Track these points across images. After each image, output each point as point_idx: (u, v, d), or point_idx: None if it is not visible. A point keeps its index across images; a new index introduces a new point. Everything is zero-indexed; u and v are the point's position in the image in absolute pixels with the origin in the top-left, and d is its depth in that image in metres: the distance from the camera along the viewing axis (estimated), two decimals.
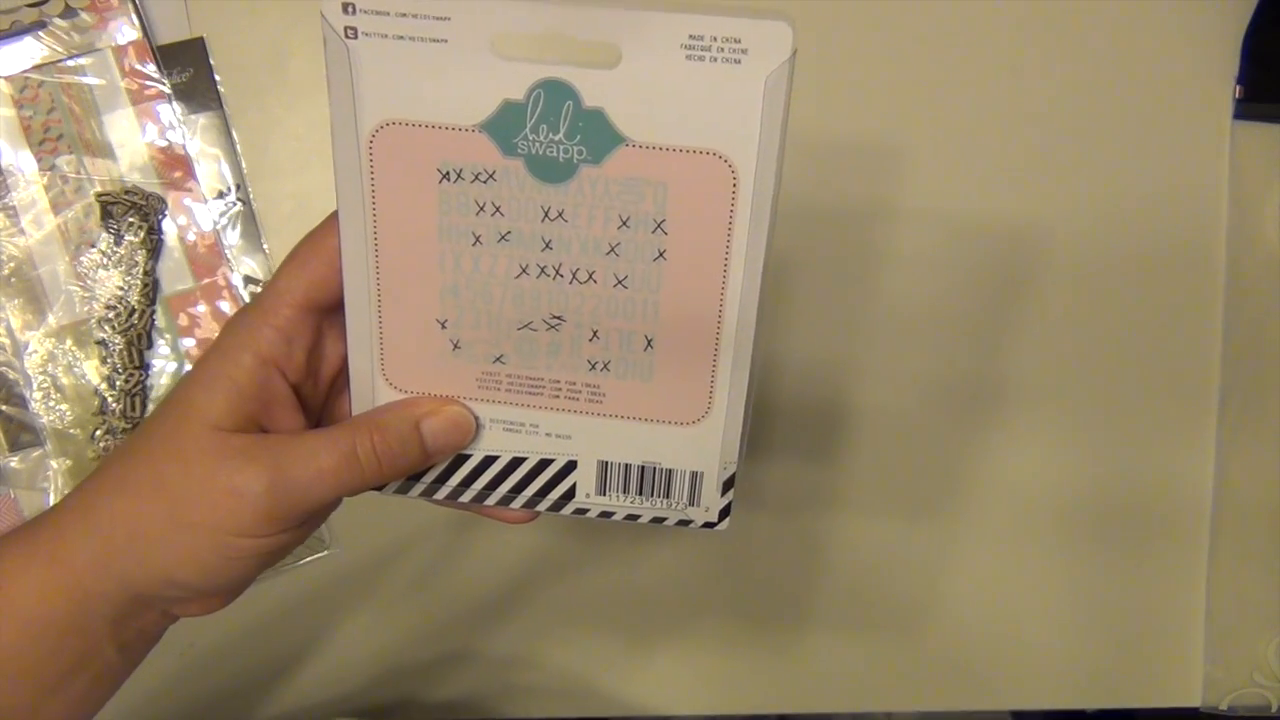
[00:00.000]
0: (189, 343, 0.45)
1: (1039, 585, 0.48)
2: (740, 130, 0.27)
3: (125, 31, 0.44)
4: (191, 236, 0.45)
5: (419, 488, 0.33)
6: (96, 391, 0.44)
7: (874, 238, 0.46)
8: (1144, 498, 0.47)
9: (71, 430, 0.44)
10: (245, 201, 0.45)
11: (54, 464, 0.44)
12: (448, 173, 0.28)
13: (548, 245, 0.29)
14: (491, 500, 0.33)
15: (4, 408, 0.44)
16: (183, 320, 0.45)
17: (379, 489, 0.32)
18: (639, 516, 0.33)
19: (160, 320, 0.44)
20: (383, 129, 0.28)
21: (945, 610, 0.48)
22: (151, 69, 0.44)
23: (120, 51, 0.44)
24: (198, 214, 0.45)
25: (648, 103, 0.27)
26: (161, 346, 0.45)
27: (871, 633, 0.48)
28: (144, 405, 0.44)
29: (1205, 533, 0.47)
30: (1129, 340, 0.47)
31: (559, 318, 0.30)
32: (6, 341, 0.44)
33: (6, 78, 0.43)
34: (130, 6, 0.44)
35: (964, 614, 0.48)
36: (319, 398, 0.32)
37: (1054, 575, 0.48)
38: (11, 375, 0.44)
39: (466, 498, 0.33)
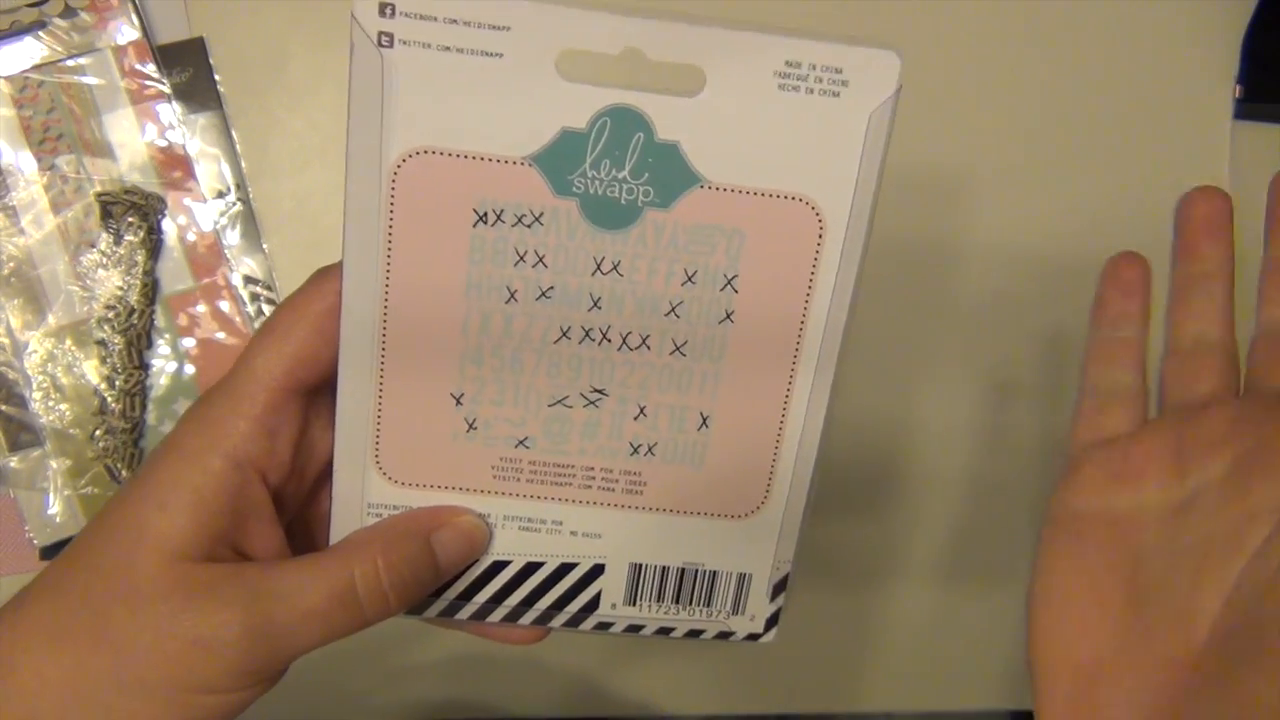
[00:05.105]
0: (189, 342, 0.45)
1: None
2: (834, 174, 0.24)
3: (125, 31, 0.44)
4: (191, 236, 0.45)
5: None
6: (96, 391, 0.44)
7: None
8: None
9: (71, 430, 0.44)
10: (245, 201, 0.45)
11: (53, 464, 0.44)
12: (485, 214, 0.24)
13: (596, 304, 0.25)
14: (495, 616, 0.28)
15: (4, 408, 0.44)
16: (182, 320, 0.45)
17: None
18: (672, 630, 0.29)
19: (160, 320, 0.45)
20: (411, 158, 0.23)
21: (944, 610, 0.48)
22: (151, 69, 0.44)
23: (120, 51, 0.44)
24: (197, 214, 0.45)
25: (731, 138, 0.23)
26: (161, 346, 0.45)
27: (871, 632, 0.48)
28: (144, 405, 0.44)
29: None
30: None
31: (600, 391, 0.26)
32: (6, 341, 0.44)
33: (6, 78, 0.43)
34: (130, 6, 0.44)
35: (963, 614, 0.48)
36: (300, 498, 0.27)
37: None
38: (11, 375, 0.44)
39: (464, 614, 0.28)
